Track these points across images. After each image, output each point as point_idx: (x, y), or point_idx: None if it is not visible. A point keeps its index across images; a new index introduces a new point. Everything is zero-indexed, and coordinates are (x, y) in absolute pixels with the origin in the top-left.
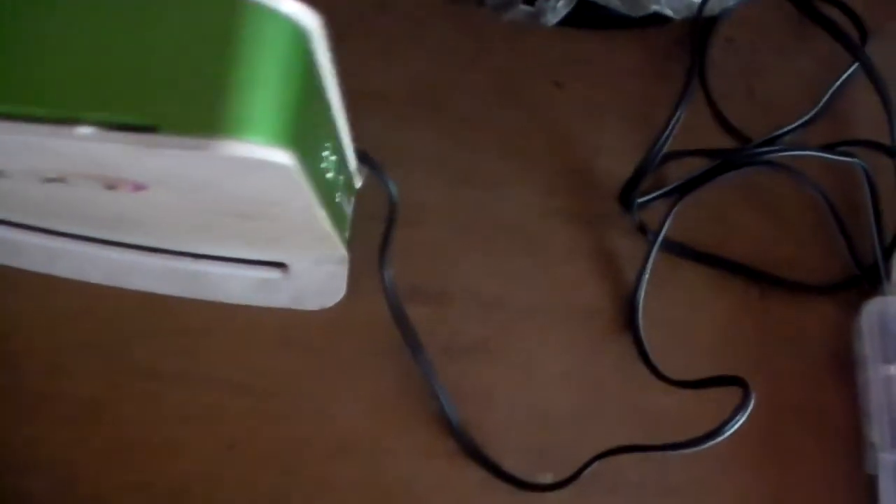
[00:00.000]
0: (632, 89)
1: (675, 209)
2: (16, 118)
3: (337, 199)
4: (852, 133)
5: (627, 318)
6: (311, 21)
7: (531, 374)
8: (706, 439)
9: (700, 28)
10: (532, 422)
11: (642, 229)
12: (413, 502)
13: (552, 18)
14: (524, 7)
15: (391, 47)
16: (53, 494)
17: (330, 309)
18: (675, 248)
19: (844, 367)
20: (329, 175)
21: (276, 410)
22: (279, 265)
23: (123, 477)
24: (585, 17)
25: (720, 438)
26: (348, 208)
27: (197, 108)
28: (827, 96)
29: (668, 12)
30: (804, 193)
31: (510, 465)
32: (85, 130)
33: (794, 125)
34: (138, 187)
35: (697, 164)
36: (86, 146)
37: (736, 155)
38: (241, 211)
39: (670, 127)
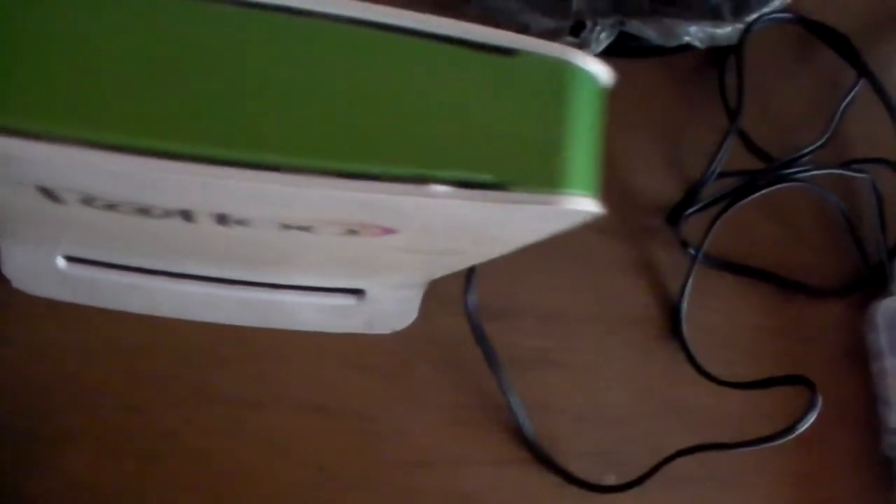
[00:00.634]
0: (660, 111)
1: (715, 226)
2: (358, 176)
3: None
4: (854, 148)
5: (672, 325)
6: (607, 77)
7: (590, 381)
8: (780, 436)
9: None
10: (594, 426)
11: (685, 244)
12: None
13: (595, 48)
14: (570, 38)
15: None
16: None
17: (399, 330)
18: (710, 260)
19: (858, 359)
20: None
21: (357, 430)
22: (356, 291)
23: None
24: (624, 46)
25: (792, 436)
26: None
27: (539, 166)
28: (837, 116)
29: (697, 43)
30: (816, 205)
31: (577, 468)
32: (440, 189)
33: (813, 146)
34: (387, 231)
35: (727, 182)
36: (393, 199)
37: (768, 175)
38: (450, 248)
39: (721, 152)
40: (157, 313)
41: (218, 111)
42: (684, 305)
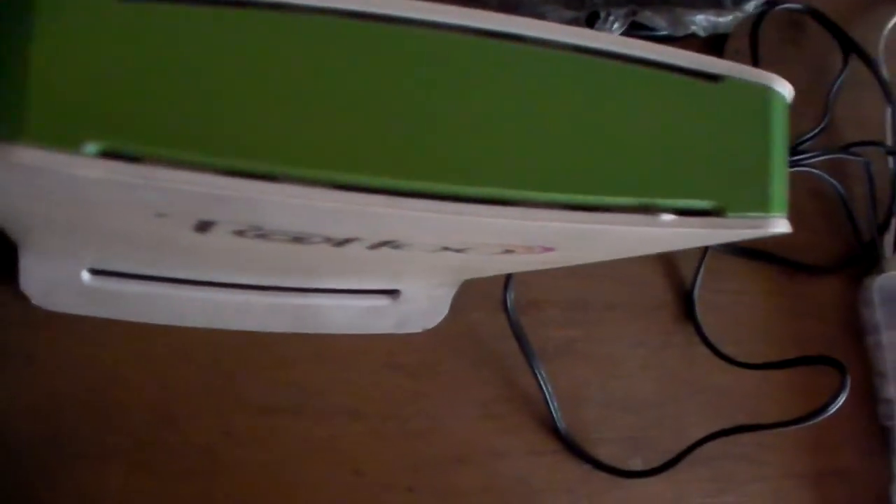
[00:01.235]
0: None
1: None
2: (588, 208)
3: None
4: (845, 131)
5: (686, 309)
6: (791, 95)
7: (613, 369)
8: (813, 416)
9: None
10: (619, 412)
11: None
12: (530, 499)
13: None
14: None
15: None
16: None
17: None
18: (720, 244)
19: (854, 332)
20: None
21: (393, 431)
22: (390, 292)
23: None
24: (635, 36)
25: (825, 416)
26: None
27: (751, 190)
28: (831, 100)
29: (700, 31)
30: (813, 187)
31: (605, 454)
32: (667, 218)
33: (813, 132)
34: (547, 250)
35: None
36: (617, 229)
37: None
38: (581, 257)
39: None
40: (185, 323)
41: (444, 144)
42: (697, 290)
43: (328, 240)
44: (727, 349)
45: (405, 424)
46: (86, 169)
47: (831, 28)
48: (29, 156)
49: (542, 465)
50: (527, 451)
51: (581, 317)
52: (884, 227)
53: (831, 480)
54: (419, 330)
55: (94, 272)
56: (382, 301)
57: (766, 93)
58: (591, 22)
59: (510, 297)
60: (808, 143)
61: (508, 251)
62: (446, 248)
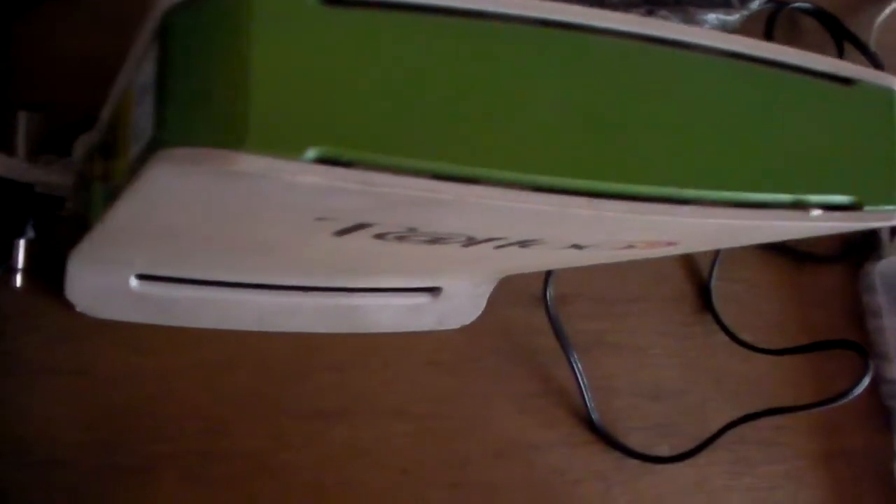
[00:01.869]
0: None
1: None
2: (752, 206)
3: None
4: None
5: (704, 299)
6: None
7: (640, 359)
8: (838, 399)
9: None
10: (647, 401)
11: None
12: (567, 489)
13: None
14: None
15: None
16: None
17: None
18: None
19: (857, 317)
20: None
21: (436, 429)
22: (432, 290)
23: None
24: None
25: (850, 397)
26: None
27: (884, 185)
28: None
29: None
30: None
31: (635, 442)
32: (817, 213)
33: None
34: (670, 244)
35: None
36: (772, 224)
37: None
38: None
39: None
40: (231, 326)
41: (631, 147)
42: (714, 281)
43: (470, 240)
44: (743, 336)
45: (447, 422)
46: (306, 175)
47: (834, 27)
48: (251, 163)
49: (577, 456)
50: (562, 443)
51: (608, 310)
52: None
53: (839, 459)
54: (457, 327)
55: (142, 277)
56: (424, 299)
57: (892, 95)
58: None
59: (550, 292)
60: None
61: (631, 246)
62: (576, 246)
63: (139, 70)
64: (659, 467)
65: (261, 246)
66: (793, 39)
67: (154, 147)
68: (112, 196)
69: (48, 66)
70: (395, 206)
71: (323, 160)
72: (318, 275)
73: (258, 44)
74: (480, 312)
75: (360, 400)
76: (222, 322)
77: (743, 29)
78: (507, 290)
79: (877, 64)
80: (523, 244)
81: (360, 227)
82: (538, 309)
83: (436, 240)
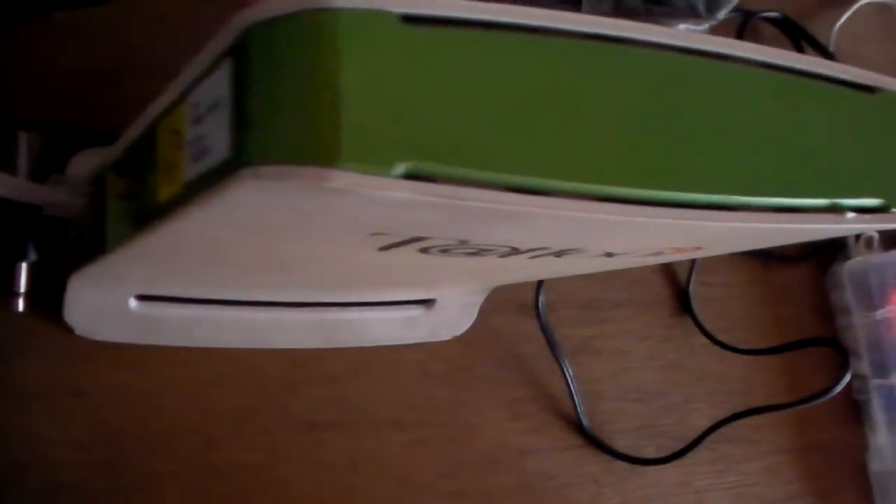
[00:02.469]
0: None
1: None
2: (792, 210)
3: None
4: None
5: (682, 303)
6: None
7: (624, 363)
8: (821, 396)
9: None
10: (631, 403)
11: None
12: (560, 493)
13: None
14: None
15: None
16: None
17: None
18: None
19: (824, 315)
20: None
21: (432, 438)
22: (426, 302)
23: None
24: None
25: (832, 394)
26: None
27: None
28: None
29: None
30: None
31: (622, 444)
32: (851, 216)
33: None
34: (697, 249)
35: None
36: (807, 227)
37: None
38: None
39: None
40: (227, 344)
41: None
42: (692, 286)
43: (513, 250)
44: (720, 337)
45: (442, 430)
46: (395, 190)
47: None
48: (344, 179)
49: (568, 460)
50: (553, 448)
51: (592, 316)
52: None
53: (814, 453)
54: (449, 337)
55: (140, 298)
56: (417, 311)
57: None
58: None
59: (542, 300)
60: None
61: (659, 252)
62: (608, 254)
63: (202, 86)
64: (646, 469)
65: (292, 262)
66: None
67: (235, 164)
68: (149, 215)
69: (32, 82)
70: (465, 219)
71: (409, 175)
72: (320, 290)
73: (346, 61)
74: (472, 322)
75: (355, 411)
76: (216, 340)
77: None
78: (495, 300)
79: None
80: (560, 253)
81: (412, 241)
82: (525, 317)
83: (479, 251)
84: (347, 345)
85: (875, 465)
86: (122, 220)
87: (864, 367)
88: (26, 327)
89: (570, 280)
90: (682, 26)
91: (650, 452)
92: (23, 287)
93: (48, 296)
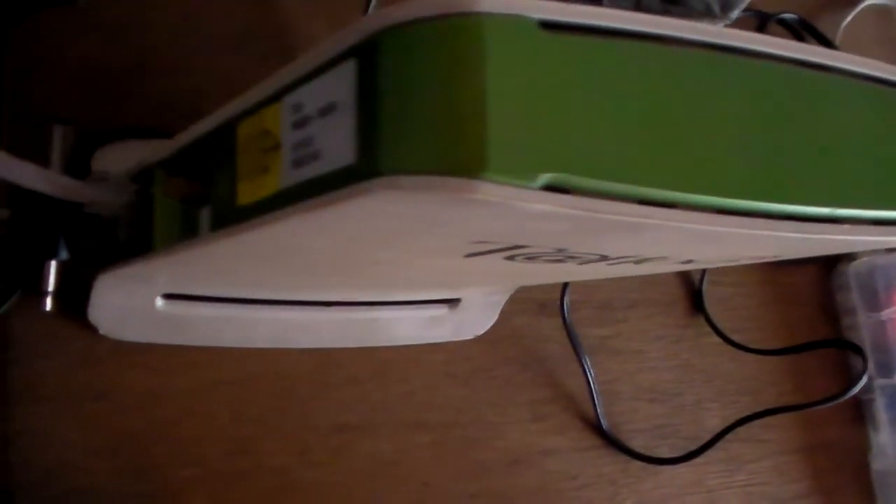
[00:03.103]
0: None
1: None
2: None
3: None
4: None
5: (695, 303)
6: None
7: (640, 363)
8: (838, 397)
9: None
10: (647, 403)
11: None
12: (578, 494)
13: None
14: None
15: None
16: None
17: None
18: None
19: (830, 315)
20: None
21: (455, 439)
22: (450, 301)
23: None
24: None
25: (850, 395)
26: None
27: None
28: None
29: None
30: None
31: (638, 444)
32: None
33: None
34: (774, 257)
35: None
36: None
37: None
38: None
39: None
40: (254, 345)
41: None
42: (705, 286)
43: (603, 258)
44: (732, 337)
45: (465, 432)
46: (538, 203)
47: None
48: (491, 191)
49: (586, 460)
50: (572, 449)
51: (608, 316)
52: None
53: (820, 452)
54: (471, 337)
55: (167, 297)
56: (442, 310)
57: None
58: None
59: (567, 302)
60: None
61: (735, 260)
62: (688, 261)
63: (308, 87)
64: (661, 468)
65: (362, 267)
66: None
67: (364, 172)
68: (223, 219)
69: (47, 74)
70: (587, 230)
71: (548, 187)
72: (357, 291)
73: (491, 68)
74: (494, 321)
75: (380, 413)
76: (243, 340)
77: None
78: (515, 299)
79: None
80: (642, 261)
81: (510, 248)
82: (545, 317)
83: (565, 259)
84: (373, 344)
85: (877, 464)
86: (172, 221)
87: (869, 366)
88: (50, 328)
89: (589, 280)
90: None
91: (664, 452)
92: (51, 286)
93: (73, 295)
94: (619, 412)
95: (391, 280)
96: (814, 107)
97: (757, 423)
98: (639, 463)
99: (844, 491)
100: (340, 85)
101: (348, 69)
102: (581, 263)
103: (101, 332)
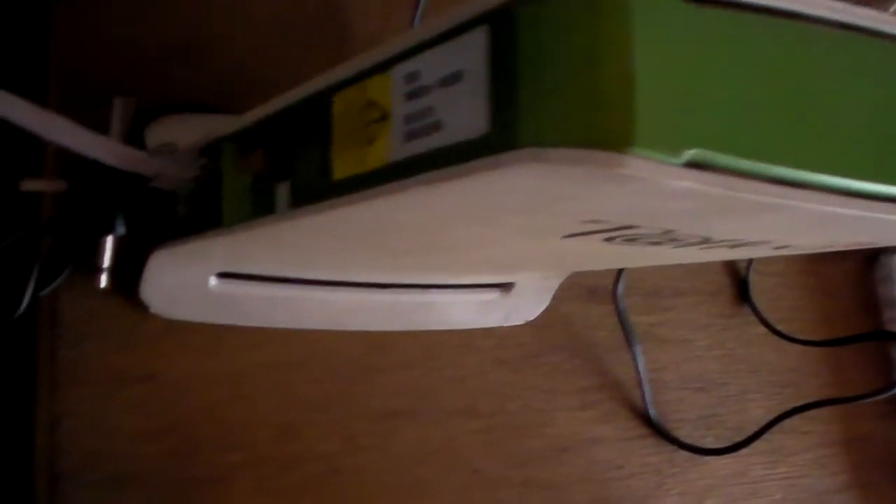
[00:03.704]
0: None
1: None
2: None
3: None
4: None
5: (740, 292)
6: None
7: (686, 351)
8: (885, 391)
9: None
10: (692, 393)
11: None
12: (623, 483)
13: None
14: None
15: None
16: None
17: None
18: None
19: (871, 307)
20: None
21: (503, 426)
22: (503, 286)
23: None
24: None
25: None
26: None
27: None
28: None
29: None
30: None
31: (684, 433)
32: None
33: None
34: (870, 243)
35: None
36: None
37: None
38: None
39: None
40: (303, 326)
41: None
42: (751, 275)
43: (705, 241)
44: (778, 327)
45: (513, 419)
46: (681, 180)
47: None
48: (637, 166)
49: (633, 449)
50: (619, 438)
51: (656, 303)
52: None
53: (858, 445)
54: (521, 322)
55: (220, 276)
56: (493, 295)
57: None
58: None
59: (620, 288)
60: None
61: (830, 246)
62: (783, 247)
63: (425, 56)
64: (706, 459)
65: (444, 245)
66: None
67: (499, 144)
68: (310, 195)
69: (93, 53)
70: (714, 211)
71: (691, 164)
72: (414, 272)
73: (638, 38)
74: (545, 307)
75: (429, 399)
76: (294, 321)
77: None
78: (563, 286)
79: None
80: (737, 245)
81: (619, 229)
82: (594, 303)
83: (666, 242)
84: (423, 328)
85: None
86: (243, 197)
87: None
88: (99, 306)
89: (637, 268)
90: None
91: (709, 442)
92: (107, 262)
93: (124, 272)
94: (665, 401)
95: (461, 261)
96: None
97: (798, 415)
98: (684, 453)
99: (883, 485)
100: (468, 53)
101: (478, 37)
102: (675, 247)
103: (152, 310)
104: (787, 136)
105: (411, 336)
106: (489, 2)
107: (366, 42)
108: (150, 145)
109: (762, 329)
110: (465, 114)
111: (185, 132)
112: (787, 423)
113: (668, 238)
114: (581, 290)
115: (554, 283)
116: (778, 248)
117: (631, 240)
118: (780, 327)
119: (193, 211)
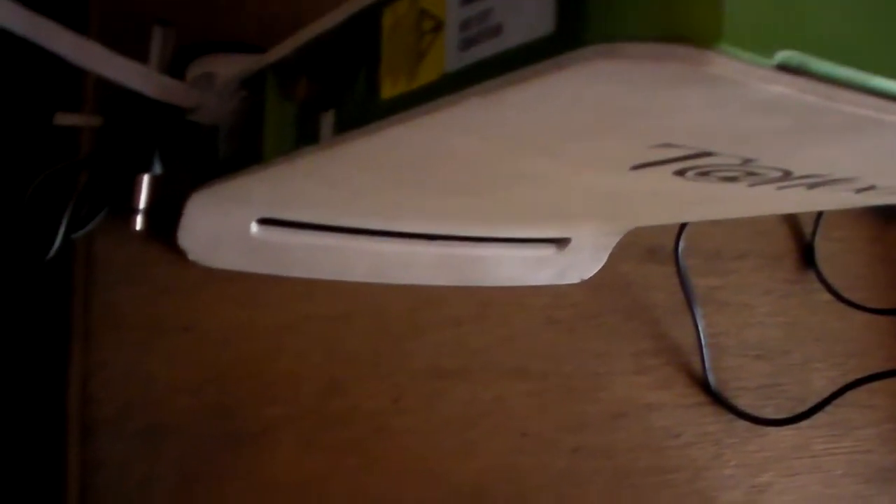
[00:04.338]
0: None
1: None
2: None
3: None
4: None
5: (805, 258)
6: None
7: (748, 317)
8: None
9: None
10: (753, 360)
11: None
12: (681, 451)
13: None
14: None
15: None
16: None
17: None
18: None
19: None
20: None
21: (555, 389)
22: (559, 241)
23: (422, 492)
24: None
25: None
26: None
27: None
28: None
29: None
30: None
31: (743, 402)
32: None
33: None
34: None
35: None
36: None
37: None
38: None
39: None
40: (349, 278)
41: None
42: (817, 241)
43: (785, 175)
44: (845, 295)
45: (567, 381)
46: (773, 83)
47: None
48: (723, 65)
49: (691, 417)
50: (677, 405)
51: (717, 266)
52: None
53: None
54: (577, 281)
55: (262, 222)
56: (549, 251)
57: None
58: None
59: (681, 247)
60: None
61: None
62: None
63: None
64: (765, 430)
65: (500, 184)
66: None
67: (569, 42)
68: (364, 116)
69: None
70: (805, 130)
71: (783, 67)
72: (470, 220)
73: None
74: (600, 266)
75: (478, 358)
76: (339, 273)
77: None
78: (621, 244)
79: None
80: (822, 184)
81: (692, 157)
82: (653, 263)
83: (740, 176)
84: (474, 283)
85: None
86: (286, 128)
87: None
88: (136, 251)
89: (698, 227)
90: None
91: (769, 413)
92: (143, 203)
93: (162, 217)
94: (724, 368)
95: (515, 207)
96: None
97: (864, 388)
98: (743, 423)
99: None
100: None
101: None
102: (751, 185)
103: (191, 257)
104: (892, 44)
105: (461, 292)
106: None
107: None
108: (199, 74)
109: (827, 296)
110: (528, 13)
111: (227, 68)
112: (851, 395)
113: (746, 171)
114: (640, 249)
115: (612, 241)
116: (862, 189)
117: (704, 173)
118: (846, 295)
119: (233, 150)
